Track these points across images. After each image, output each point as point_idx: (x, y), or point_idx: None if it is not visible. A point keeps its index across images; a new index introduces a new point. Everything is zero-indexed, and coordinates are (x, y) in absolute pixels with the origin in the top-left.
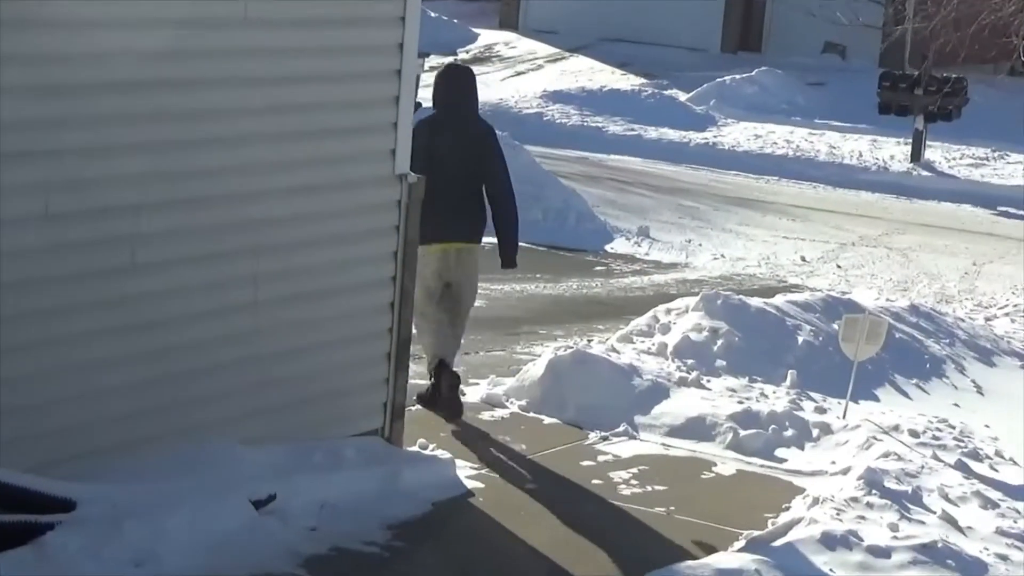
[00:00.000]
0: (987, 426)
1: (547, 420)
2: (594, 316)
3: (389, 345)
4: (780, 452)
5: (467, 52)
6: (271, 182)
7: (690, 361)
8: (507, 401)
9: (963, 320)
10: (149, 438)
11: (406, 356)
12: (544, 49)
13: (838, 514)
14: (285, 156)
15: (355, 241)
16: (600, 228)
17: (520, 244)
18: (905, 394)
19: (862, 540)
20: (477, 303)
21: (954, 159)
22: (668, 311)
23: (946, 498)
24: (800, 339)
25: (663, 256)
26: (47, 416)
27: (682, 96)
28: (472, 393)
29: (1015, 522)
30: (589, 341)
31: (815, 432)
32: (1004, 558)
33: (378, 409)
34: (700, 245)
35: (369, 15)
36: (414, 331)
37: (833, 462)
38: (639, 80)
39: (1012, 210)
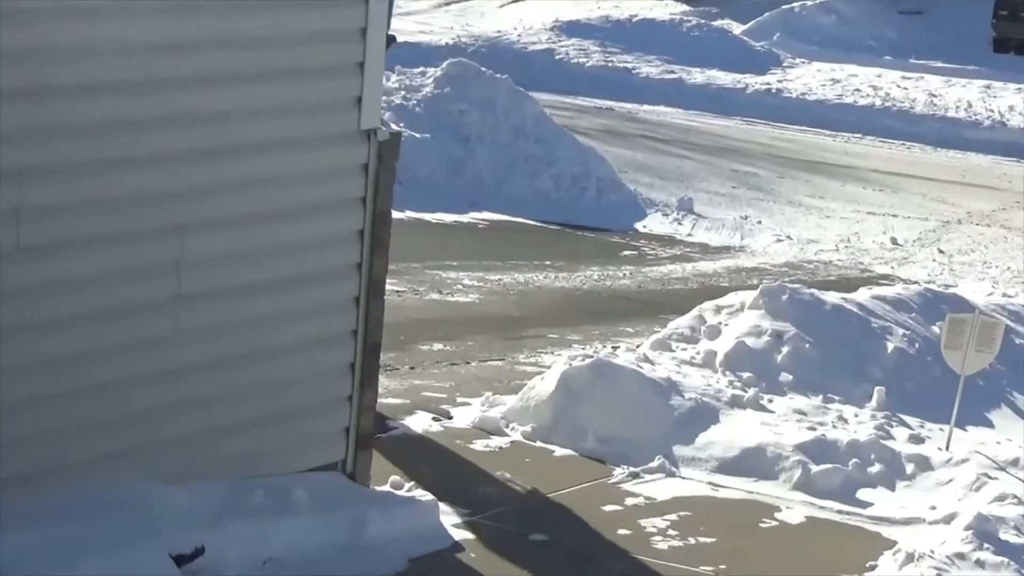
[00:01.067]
0: None
1: (559, 451)
2: (620, 315)
3: (352, 352)
4: (863, 494)
5: None
6: (197, 139)
7: (746, 375)
8: (507, 427)
9: None
10: (47, 471)
11: (375, 366)
12: None
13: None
14: (211, 105)
15: (307, 216)
16: (629, 200)
17: (525, 221)
18: None
19: None
20: (468, 298)
21: None
22: (718, 309)
23: None
24: (890, 346)
25: (711, 237)
26: None
27: (736, 28)
28: (461, 416)
29: None
30: (614, 348)
31: (909, 468)
32: None
33: (338, 436)
34: (759, 223)
35: None
36: None
37: (933, 507)
38: (680, 7)
39: None
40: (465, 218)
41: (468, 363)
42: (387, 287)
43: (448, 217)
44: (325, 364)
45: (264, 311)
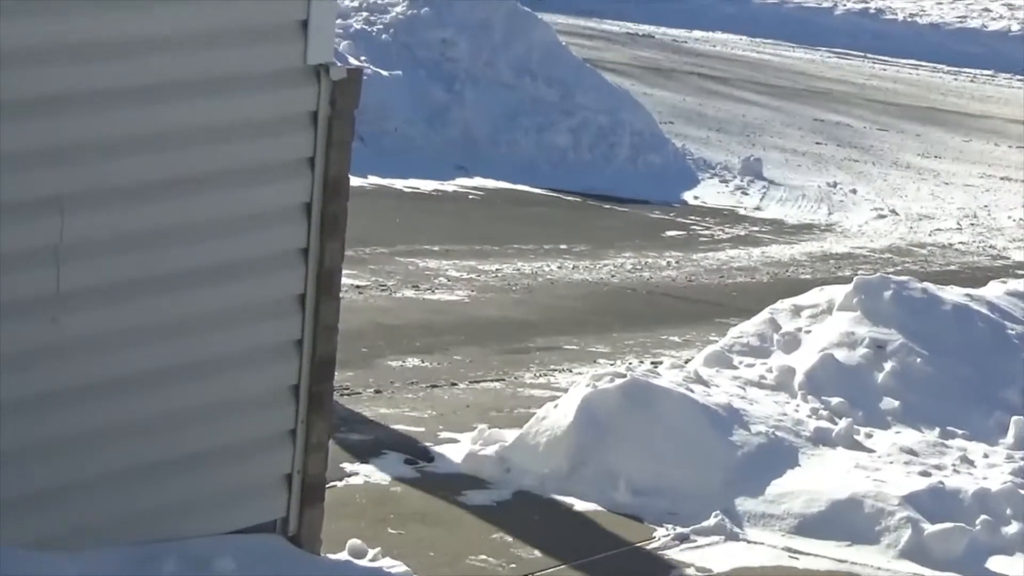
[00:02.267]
0: None
1: (580, 506)
2: (664, 319)
3: (295, 371)
4: (996, 564)
5: None
6: (78, 77)
7: (836, 400)
8: (508, 472)
9: None
10: None
11: (327, 389)
12: None
13: None
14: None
15: (233, 184)
16: (675, 162)
17: (531, 191)
18: None
19: None
20: (454, 296)
21: None
22: (796, 311)
23: None
24: None
25: (787, 212)
26: None
27: None
28: (445, 457)
29: None
30: (655, 364)
31: None
32: None
33: (277, 485)
34: (853, 192)
35: None
36: None
37: None
38: None
39: None
40: (450, 186)
41: (455, 385)
42: (344, 281)
43: (427, 185)
44: (258, 387)
45: (173, 314)
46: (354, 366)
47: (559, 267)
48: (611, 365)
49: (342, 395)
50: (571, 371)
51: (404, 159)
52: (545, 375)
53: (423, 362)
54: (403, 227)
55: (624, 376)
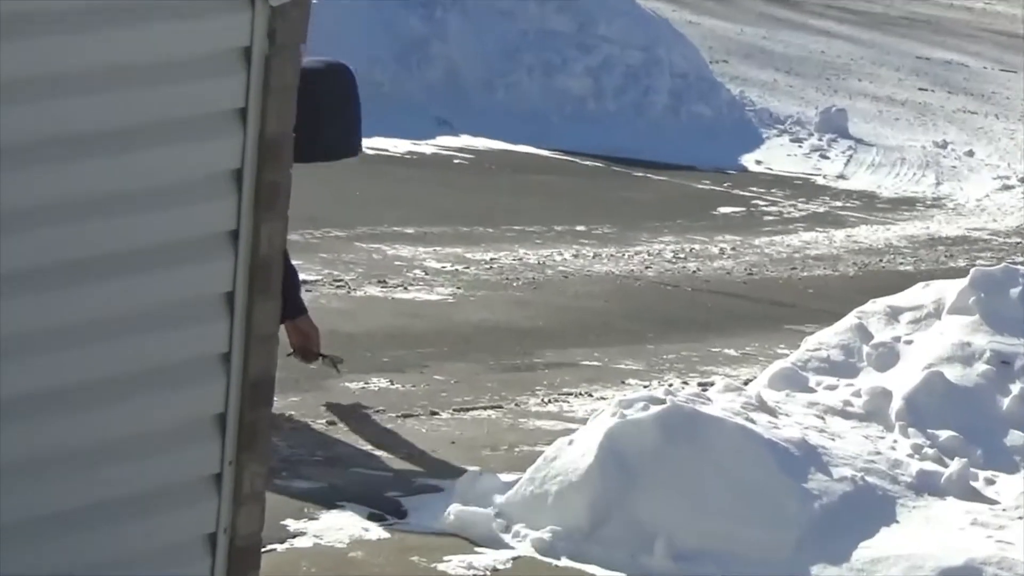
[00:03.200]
0: None
1: (603, 574)
2: (716, 325)
3: (222, 394)
4: None
5: None
6: None
7: (945, 434)
8: (507, 530)
9: None
10: None
11: (262, 419)
12: None
13: None
14: None
15: (137, 144)
16: (730, 112)
17: (537, 152)
18: None
19: None
20: (435, 294)
21: None
22: (893, 314)
23: None
24: None
25: (881, 182)
26: None
27: None
28: (422, 511)
29: None
30: (703, 386)
31: None
32: None
33: (195, 550)
34: (969, 155)
35: None
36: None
37: None
38: None
39: None
40: (428, 147)
41: (435, 414)
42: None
43: (398, 146)
44: (169, 417)
45: (59, 317)
46: (300, 388)
47: (575, 256)
48: (644, 387)
49: (287, 428)
50: (591, 395)
51: (368, 111)
52: (556, 400)
53: (393, 383)
54: (366, 202)
55: (662, 402)
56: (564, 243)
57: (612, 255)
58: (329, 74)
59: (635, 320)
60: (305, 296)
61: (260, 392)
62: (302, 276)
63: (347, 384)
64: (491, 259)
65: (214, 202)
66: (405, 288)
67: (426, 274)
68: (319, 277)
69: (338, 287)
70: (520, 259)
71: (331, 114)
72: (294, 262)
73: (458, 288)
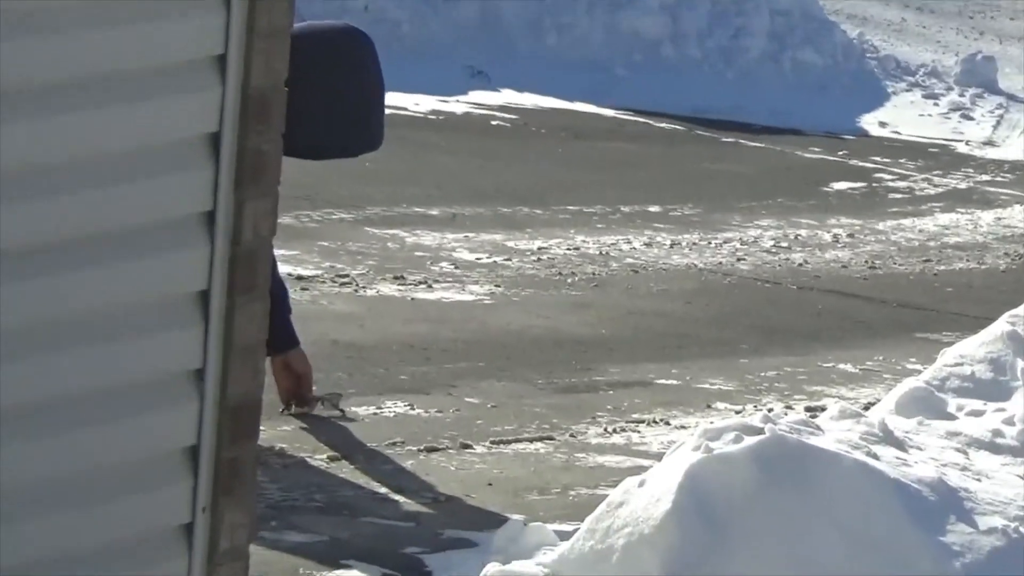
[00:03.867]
0: None
1: None
2: (827, 333)
3: (194, 423)
4: None
5: None
6: None
7: None
8: None
9: None
10: None
11: (246, 454)
12: None
13: None
14: None
15: (86, 102)
16: (846, 61)
17: (598, 112)
18: None
19: None
20: (467, 293)
21: None
22: None
23: None
24: None
25: None
26: None
27: None
28: (454, 568)
29: None
30: (811, 411)
31: None
32: None
33: (175, 554)
34: None
35: None
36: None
37: None
38: None
39: None
40: (459, 104)
41: (467, 447)
42: (280, 268)
43: (421, 103)
44: (128, 450)
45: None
46: (288, 421)
47: (647, 244)
48: (736, 413)
49: (278, 464)
50: (667, 423)
51: (384, 59)
52: (623, 430)
53: (413, 408)
54: (378, 175)
55: (759, 431)
56: (634, 228)
57: (695, 243)
58: (337, 43)
59: (724, 327)
60: (300, 297)
61: (243, 419)
62: (295, 270)
63: (355, 409)
64: (539, 249)
65: (183, 175)
66: (429, 286)
67: (456, 268)
68: (318, 271)
69: (342, 284)
70: (577, 249)
71: (339, 99)
72: (287, 254)
73: (497, 286)
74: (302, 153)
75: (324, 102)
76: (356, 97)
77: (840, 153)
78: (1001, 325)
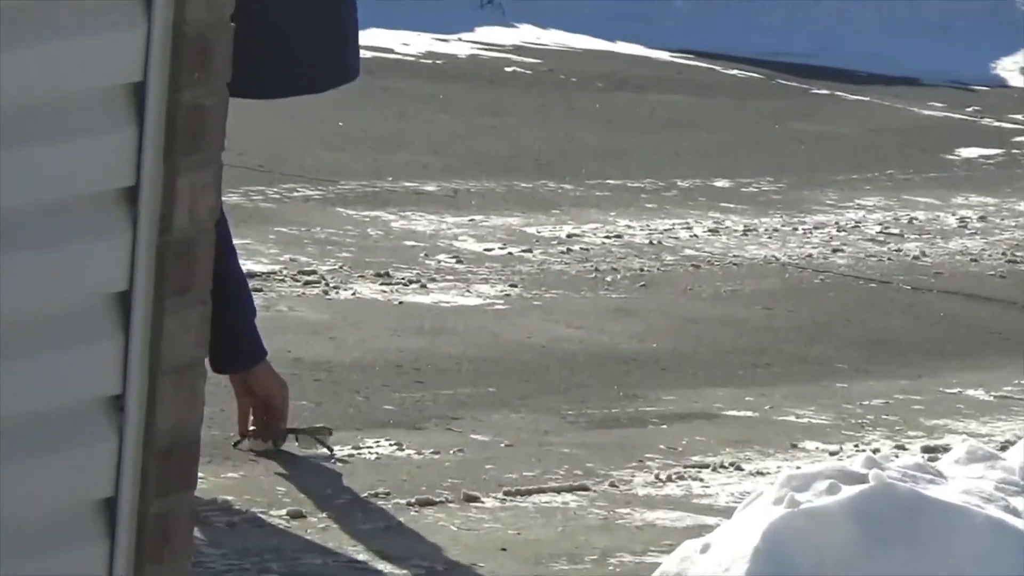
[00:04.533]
0: None
1: None
2: (951, 348)
3: (110, 468)
4: None
5: None
6: None
7: None
8: None
9: None
10: None
11: (181, 511)
12: None
13: None
14: None
15: None
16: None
17: (654, 55)
18: None
19: None
20: (479, 294)
21: None
22: None
23: None
24: None
25: None
26: None
27: None
28: None
29: None
30: (929, 453)
31: None
32: None
33: None
34: None
35: None
36: None
37: None
38: None
39: None
40: (462, 45)
41: (475, 500)
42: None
43: (412, 42)
44: (20, 502)
45: None
46: (244, 457)
47: (712, 231)
48: (830, 455)
49: (218, 523)
50: (739, 468)
51: None
52: (680, 477)
53: (402, 448)
54: (356, 138)
55: (862, 479)
56: (695, 208)
57: (776, 229)
58: None
59: (815, 340)
60: (257, 302)
61: (175, 463)
62: (245, 265)
63: (322, 451)
64: (569, 236)
65: (95, 140)
66: (422, 286)
67: (458, 262)
68: (274, 267)
69: (308, 283)
70: (619, 237)
71: (297, 11)
72: (237, 243)
73: (512, 286)
74: (248, 90)
75: (278, 16)
76: (321, 8)
77: (968, 110)
78: None
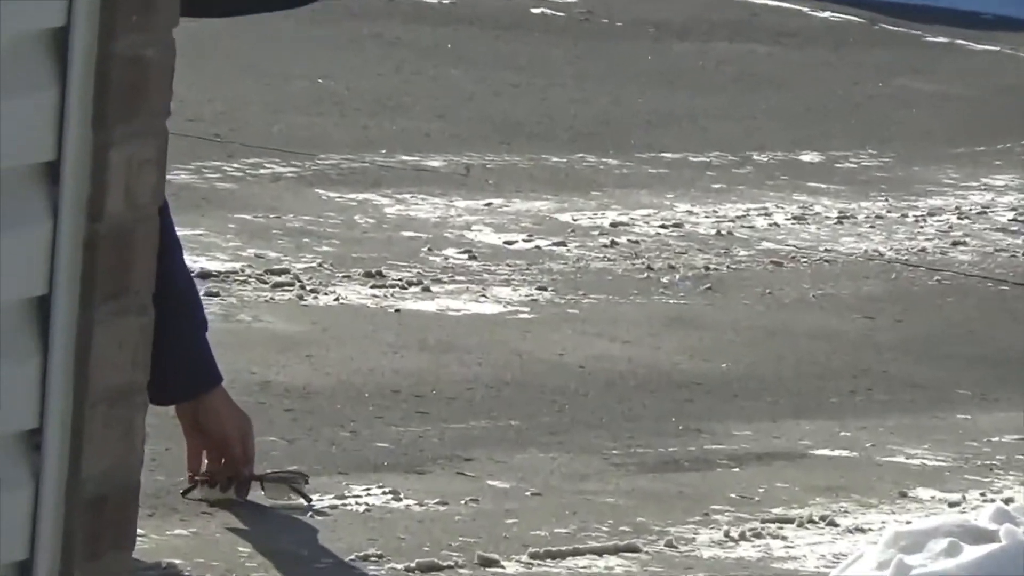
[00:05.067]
0: None
1: None
2: None
3: (24, 525)
4: None
5: None
6: None
7: None
8: None
9: None
10: None
11: (114, 567)
12: None
13: None
14: None
15: None
16: None
17: None
18: None
19: None
20: (494, 299)
21: None
22: None
23: None
24: None
25: None
26: None
27: None
28: None
29: None
30: None
31: None
32: None
33: None
34: None
35: None
36: None
37: None
38: None
39: None
40: None
41: (492, 563)
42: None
43: None
44: None
45: None
46: (195, 510)
47: (797, 218)
48: (950, 506)
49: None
50: (832, 522)
51: None
52: (756, 534)
53: (398, 497)
54: (340, 98)
55: (991, 536)
56: (775, 190)
57: (879, 216)
58: None
59: (929, 359)
60: (209, 304)
61: (108, 517)
62: (198, 261)
63: (297, 501)
64: (614, 225)
65: (6, 103)
66: (426, 289)
67: (471, 258)
68: (236, 264)
69: (278, 286)
70: (678, 225)
71: None
72: (189, 233)
73: (541, 289)
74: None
75: None
76: None
77: None
78: None
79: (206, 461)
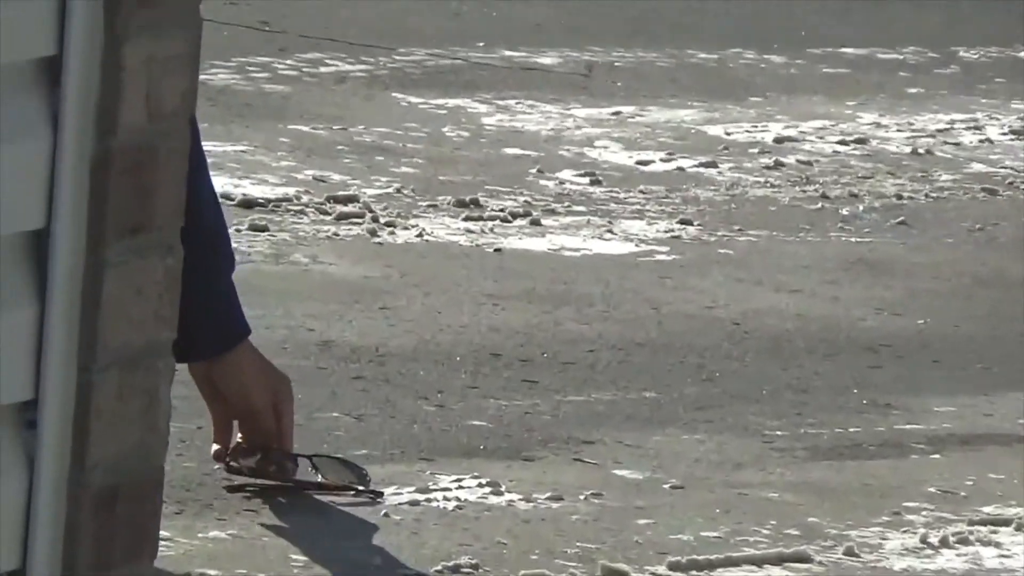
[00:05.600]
0: None
1: None
2: None
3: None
4: None
5: None
6: None
7: None
8: None
9: None
10: None
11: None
12: None
13: None
14: None
15: None
16: None
17: None
18: None
19: None
20: (636, 242)
21: None
22: None
23: None
24: None
25: None
26: None
27: None
28: None
29: None
30: None
31: None
32: None
33: None
34: None
35: None
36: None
37: None
38: None
39: None
40: None
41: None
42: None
43: None
44: None
45: None
46: (231, 507)
47: (1017, 132)
48: None
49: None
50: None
51: None
52: (960, 540)
53: (499, 491)
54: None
55: None
56: (987, 95)
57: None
58: None
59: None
60: (249, 246)
61: (122, 515)
62: (238, 186)
63: (365, 495)
64: (778, 140)
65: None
66: (535, 222)
67: (594, 184)
68: (289, 190)
69: (344, 218)
70: (862, 141)
71: None
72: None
73: (685, 222)
74: None
75: None
76: None
77: None
78: None
79: (238, 435)
